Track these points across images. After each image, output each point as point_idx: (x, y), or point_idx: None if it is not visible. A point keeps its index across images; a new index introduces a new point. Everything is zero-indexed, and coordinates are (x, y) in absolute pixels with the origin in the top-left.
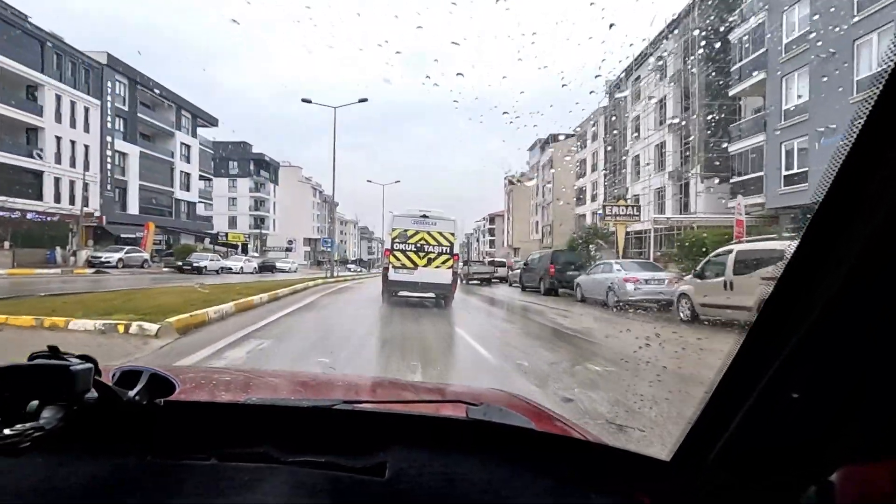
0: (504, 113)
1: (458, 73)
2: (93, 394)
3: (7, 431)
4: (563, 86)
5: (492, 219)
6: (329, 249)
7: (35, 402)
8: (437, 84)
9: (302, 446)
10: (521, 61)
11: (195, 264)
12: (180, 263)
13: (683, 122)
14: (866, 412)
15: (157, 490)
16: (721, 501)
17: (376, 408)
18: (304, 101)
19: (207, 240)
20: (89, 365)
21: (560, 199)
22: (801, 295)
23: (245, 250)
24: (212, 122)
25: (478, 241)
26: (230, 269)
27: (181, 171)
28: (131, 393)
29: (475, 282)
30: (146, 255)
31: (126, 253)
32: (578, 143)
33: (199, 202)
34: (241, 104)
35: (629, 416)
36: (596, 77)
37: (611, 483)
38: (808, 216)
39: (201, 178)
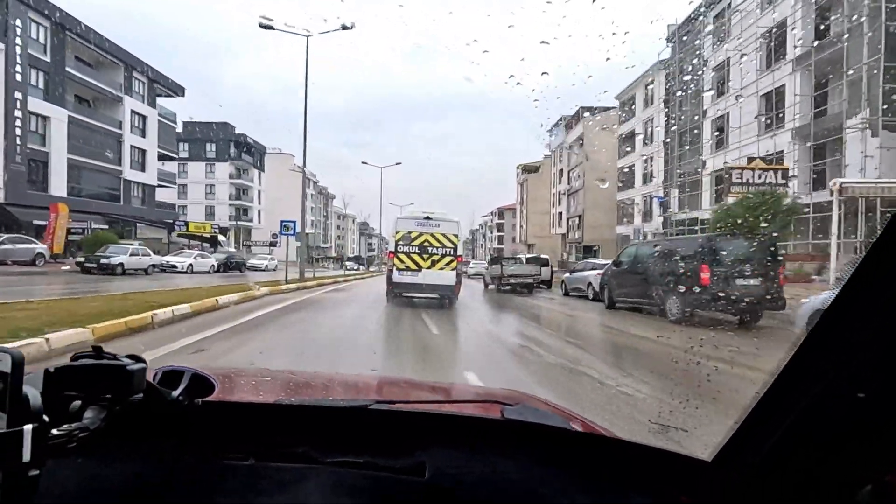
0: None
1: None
2: (141, 392)
3: (55, 431)
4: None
5: (500, 213)
6: (289, 237)
7: (77, 403)
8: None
9: (340, 446)
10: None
11: (107, 261)
12: (82, 260)
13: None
14: None
15: (199, 490)
16: (766, 502)
17: (412, 408)
18: (262, 26)
19: (175, 233)
20: (143, 365)
21: (602, 181)
22: (864, 296)
23: (215, 244)
24: (175, 90)
25: (484, 237)
26: (174, 267)
27: (133, 147)
28: (174, 393)
29: (507, 288)
30: (41, 248)
31: (2, 243)
32: (622, 113)
33: (160, 186)
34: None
35: None
36: (652, 23)
37: (649, 482)
38: (888, 216)
39: (163, 157)
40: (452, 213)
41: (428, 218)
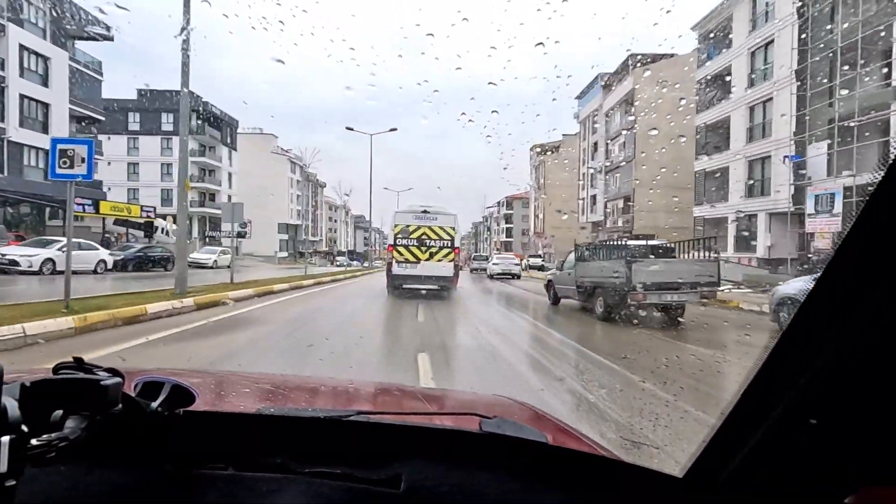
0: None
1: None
2: (118, 405)
3: (34, 442)
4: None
5: (508, 203)
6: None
7: (59, 412)
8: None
9: (318, 457)
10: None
11: None
12: None
13: None
14: (885, 434)
15: (178, 499)
16: None
17: (391, 419)
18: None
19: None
20: (118, 379)
21: (666, 147)
22: (826, 317)
23: (151, 232)
24: (98, 29)
25: (488, 230)
26: (15, 264)
27: (26, 98)
28: (154, 404)
29: (647, 313)
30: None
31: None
32: (702, 50)
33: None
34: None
35: None
36: None
37: (622, 498)
38: (843, 235)
39: (80, 118)
40: (450, 205)
41: (425, 211)
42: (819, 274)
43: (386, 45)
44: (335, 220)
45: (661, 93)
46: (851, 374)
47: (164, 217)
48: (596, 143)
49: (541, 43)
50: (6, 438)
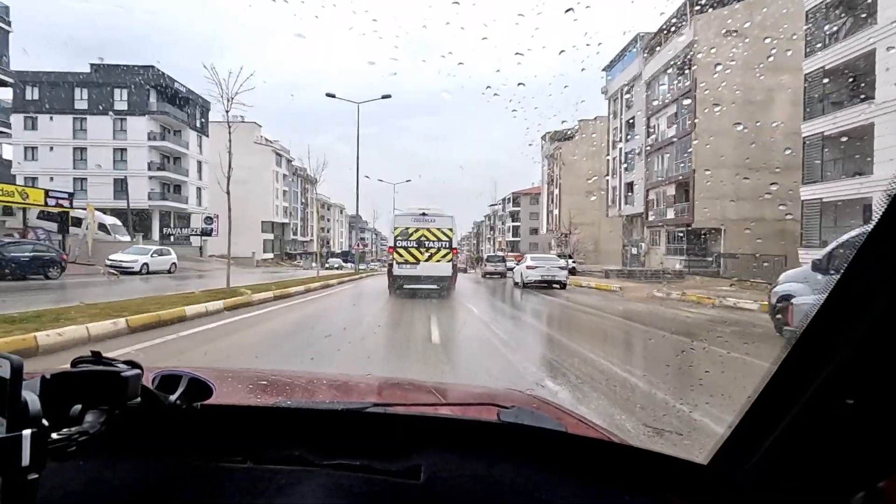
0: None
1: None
2: (137, 398)
3: (55, 436)
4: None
5: (514, 199)
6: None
7: (78, 406)
8: None
9: (336, 449)
10: None
11: None
12: None
13: None
14: None
15: (197, 493)
16: None
17: (408, 411)
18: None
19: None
20: (138, 371)
21: (741, 113)
22: (857, 300)
23: (65, 226)
24: None
25: (492, 229)
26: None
27: None
28: (172, 397)
29: None
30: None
31: None
32: None
33: None
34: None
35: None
36: None
37: (644, 486)
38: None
39: None
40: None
41: (424, 214)
42: (849, 262)
43: (410, 15)
44: (328, 220)
45: (733, 44)
46: (880, 363)
47: (106, 210)
48: (631, 120)
49: (570, 9)
50: (28, 432)
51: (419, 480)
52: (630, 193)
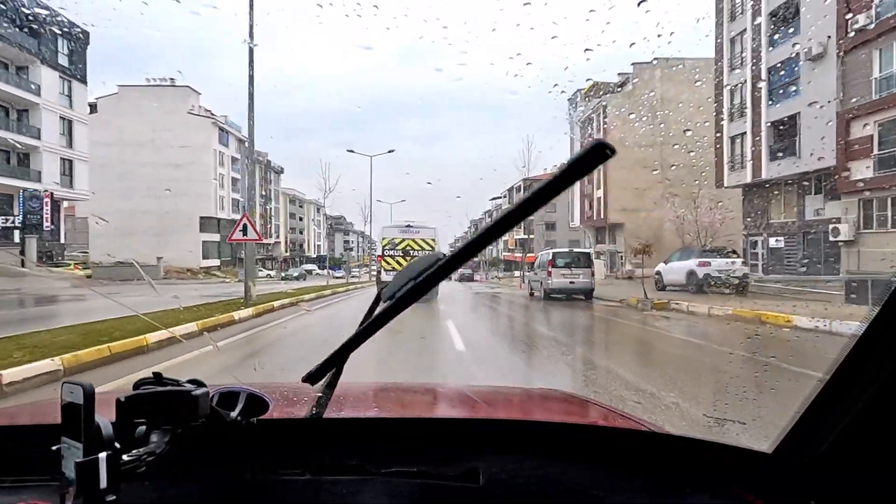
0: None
1: None
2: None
3: (125, 458)
4: None
5: (524, 189)
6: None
7: (142, 428)
8: None
9: (393, 458)
10: None
11: None
12: None
13: None
14: None
15: None
16: (833, 495)
17: (462, 414)
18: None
19: None
20: (206, 389)
21: None
22: None
23: None
24: None
25: None
26: None
27: None
28: (233, 413)
29: None
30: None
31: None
32: None
33: None
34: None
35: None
36: None
37: (708, 478)
38: None
39: None
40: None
41: (409, 226)
42: None
43: (480, 20)
44: (299, 218)
45: None
46: None
47: None
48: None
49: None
50: (104, 455)
51: (478, 483)
52: (781, 141)
